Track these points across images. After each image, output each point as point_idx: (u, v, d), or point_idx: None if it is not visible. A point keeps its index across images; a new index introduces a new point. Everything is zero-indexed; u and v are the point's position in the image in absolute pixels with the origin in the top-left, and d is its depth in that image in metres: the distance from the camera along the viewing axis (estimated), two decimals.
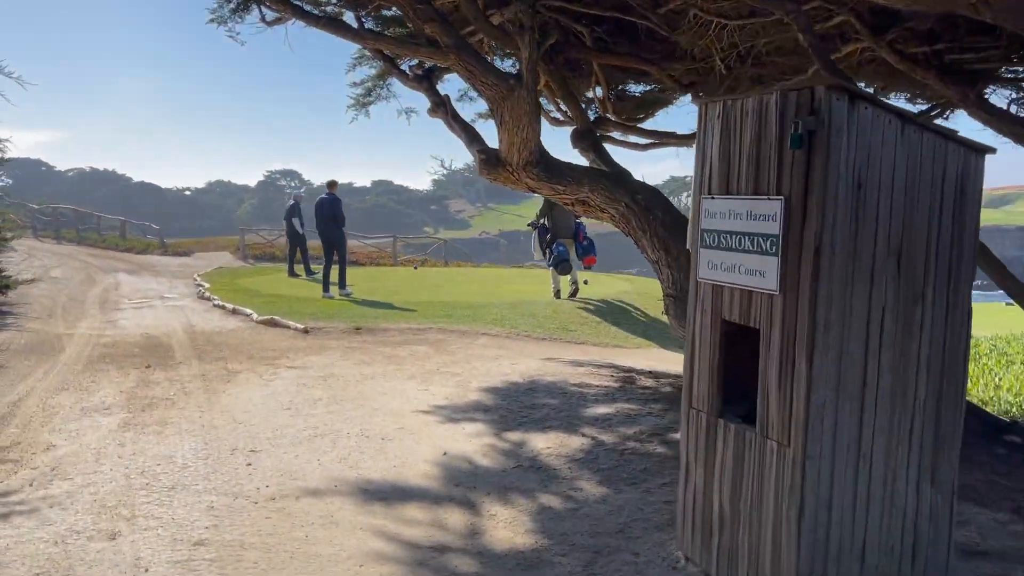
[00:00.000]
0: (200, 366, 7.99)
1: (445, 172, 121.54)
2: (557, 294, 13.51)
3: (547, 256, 13.72)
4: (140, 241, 29.39)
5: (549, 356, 8.91)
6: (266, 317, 11.18)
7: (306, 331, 10.26)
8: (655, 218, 7.24)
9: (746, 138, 3.04)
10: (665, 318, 12.34)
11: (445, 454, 5.02)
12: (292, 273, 18.96)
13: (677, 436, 5.00)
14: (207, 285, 16.38)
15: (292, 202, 19.46)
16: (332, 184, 16.06)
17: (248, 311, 11.98)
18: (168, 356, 8.66)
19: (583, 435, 5.23)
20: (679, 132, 8.95)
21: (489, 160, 7.97)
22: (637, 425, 5.34)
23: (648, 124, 9.37)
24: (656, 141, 9.21)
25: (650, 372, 7.49)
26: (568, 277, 13.68)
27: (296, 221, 19.13)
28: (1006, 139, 6.24)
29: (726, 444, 3.22)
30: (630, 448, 4.89)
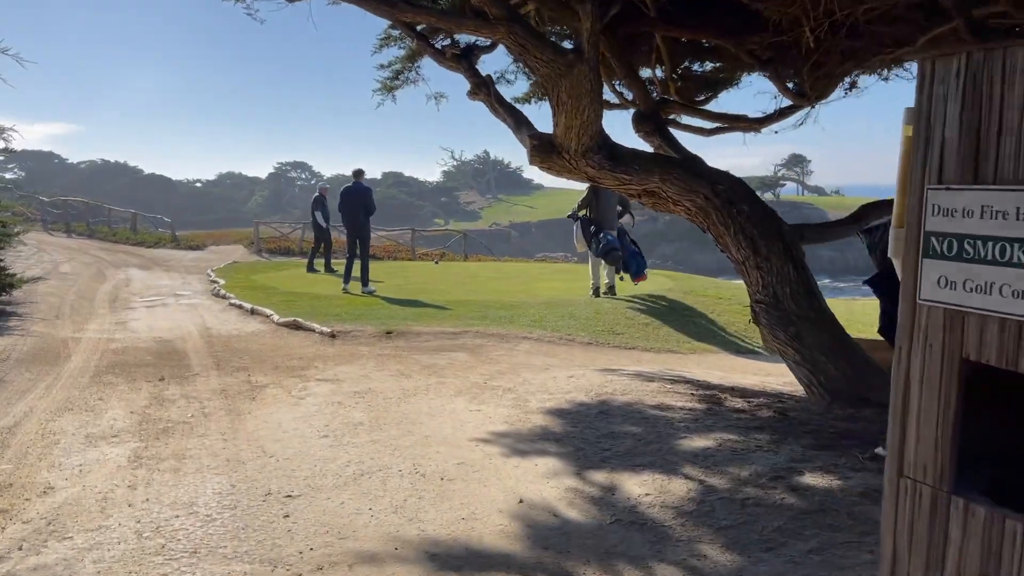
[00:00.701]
0: (220, 378, 7.14)
1: (455, 163, 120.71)
2: (596, 292, 12.61)
3: (593, 247, 12.75)
4: (152, 235, 28.64)
5: (605, 366, 8.02)
6: (288, 319, 10.32)
7: (333, 335, 9.39)
8: (740, 212, 6.33)
9: (1016, 102, 2.14)
10: (720, 320, 11.50)
11: (521, 502, 4.14)
12: (311, 268, 18.14)
13: (805, 481, 4.10)
14: (222, 282, 15.56)
15: (317, 194, 18.54)
16: (359, 173, 15.19)
17: (268, 311, 11.13)
18: (184, 365, 7.82)
19: (686, 477, 4.34)
20: (750, 115, 8.01)
21: (542, 146, 7.08)
22: (749, 464, 4.44)
23: (711, 106, 8.43)
24: (723, 126, 8.28)
25: (732, 388, 6.59)
26: (609, 271, 12.76)
27: (319, 215, 18.27)
28: None
29: (966, 533, 2.32)
30: (751, 497, 4.00)
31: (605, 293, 12.66)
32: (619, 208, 13.04)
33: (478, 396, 6.40)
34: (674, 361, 9.22)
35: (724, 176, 6.58)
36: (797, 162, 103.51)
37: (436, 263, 20.50)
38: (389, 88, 11.18)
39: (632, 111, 8.25)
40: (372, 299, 12.54)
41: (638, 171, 6.68)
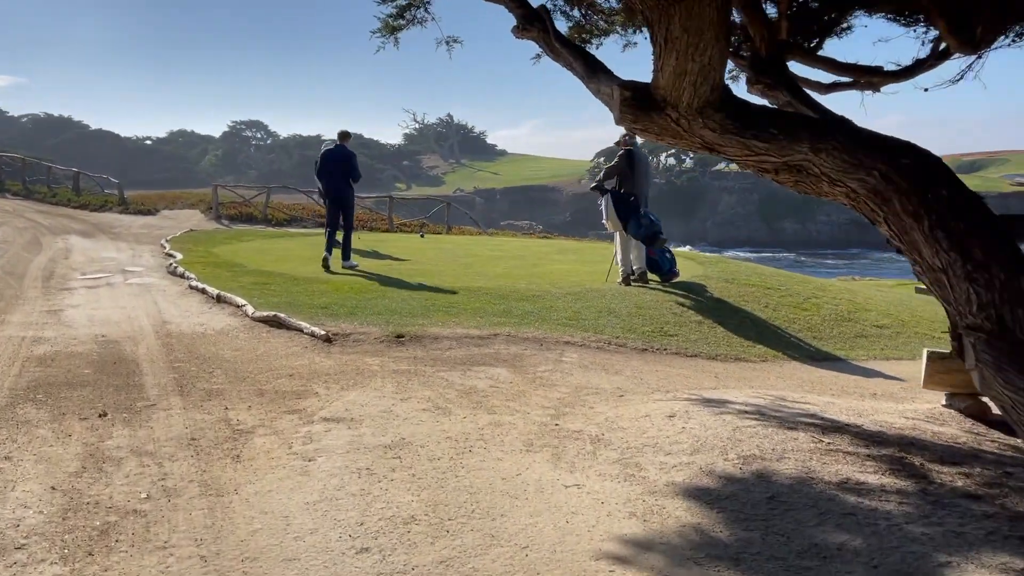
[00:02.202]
0: (186, 414, 5.13)
1: (418, 126, 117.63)
2: (627, 279, 10.75)
3: (632, 227, 10.82)
4: (97, 196, 25.97)
5: (688, 387, 6.20)
6: (267, 314, 8.28)
7: (328, 339, 7.39)
8: (937, 199, 4.52)
9: None
10: (776, 317, 9.63)
11: None
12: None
13: None
14: (179, 256, 13.36)
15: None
16: (344, 135, 13.07)
17: (239, 300, 9.06)
18: (134, 387, 5.79)
19: None
20: (886, 67, 6.14)
21: (638, 101, 5.15)
22: None
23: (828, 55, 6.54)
24: (848, 80, 6.40)
25: (904, 440, 4.78)
26: (640, 254, 10.91)
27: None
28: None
29: None
30: None
31: (635, 280, 10.83)
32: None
33: (561, 452, 4.51)
34: (751, 374, 7.44)
35: (907, 147, 4.70)
36: None
37: (422, 236, 18.45)
38: (391, 28, 9.15)
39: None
40: (364, 285, 10.52)
41: (777, 138, 4.79)
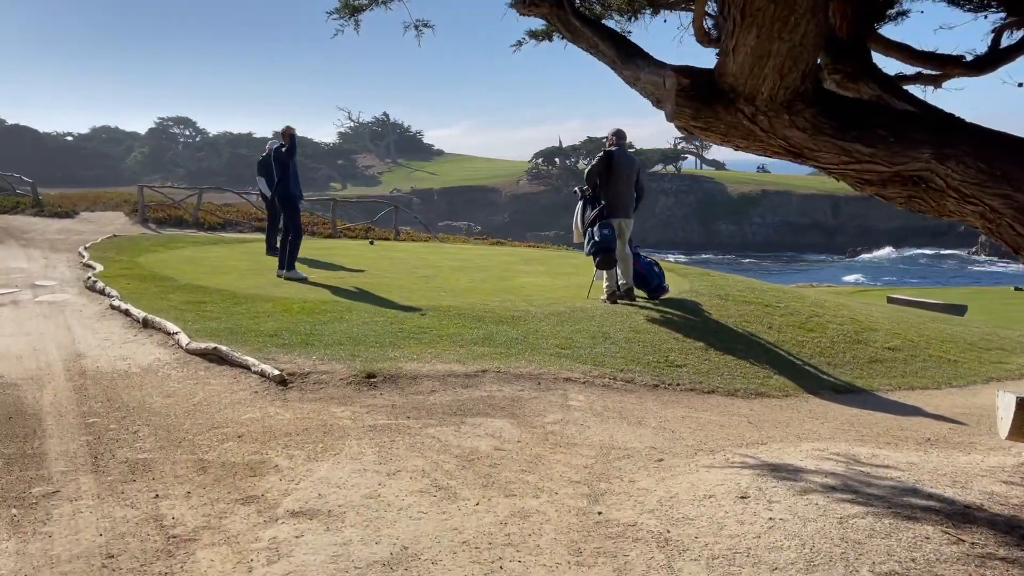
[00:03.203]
0: (101, 510, 3.78)
1: (353, 125, 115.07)
2: (613, 297, 9.62)
3: (586, 239, 9.77)
4: (7, 197, 23.73)
5: (742, 449, 5.09)
6: (205, 345, 6.88)
7: (284, 381, 6.05)
8: None
9: None
10: (785, 340, 8.52)
11: None
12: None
13: None
14: (99, 267, 11.74)
15: (264, 154, 14.46)
16: (287, 132, 11.64)
17: (171, 326, 7.63)
18: (32, 459, 4.40)
19: None
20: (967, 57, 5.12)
21: (701, 90, 4.02)
22: None
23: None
24: (913, 72, 5.35)
25: None
26: (605, 277, 9.80)
27: (263, 181, 14.45)
28: None
29: None
30: None
31: (621, 297, 9.72)
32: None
33: (626, 568, 3.32)
34: (784, 416, 6.40)
35: None
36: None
37: (371, 243, 17.02)
38: (352, 8, 7.86)
39: None
40: (317, 304, 9.14)
41: (889, 140, 3.70)
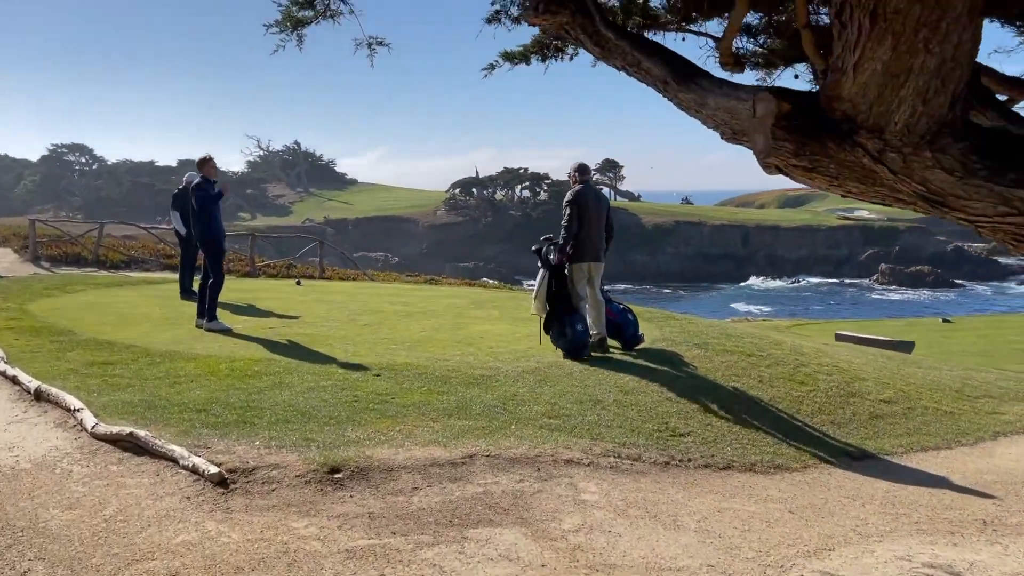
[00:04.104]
0: None
1: (262, 153, 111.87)
2: (577, 352, 8.58)
3: (553, 331, 8.65)
4: None
5: (806, 560, 4.12)
6: (118, 430, 5.51)
7: (224, 482, 4.78)
8: None
9: None
10: (781, 396, 7.56)
11: None
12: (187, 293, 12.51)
13: None
14: None
15: (182, 186, 12.78)
16: (203, 162, 10.31)
17: (71, 400, 6.22)
18: None
19: None
20: None
21: (806, 120, 3.10)
22: None
23: None
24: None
25: None
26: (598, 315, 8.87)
27: (177, 217, 12.87)
28: None
29: None
30: None
31: (593, 349, 8.74)
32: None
33: None
34: (817, 497, 5.52)
35: None
36: (610, 167, 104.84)
37: (298, 283, 15.60)
38: (295, 22, 6.78)
39: None
40: (248, 363, 7.82)
41: None
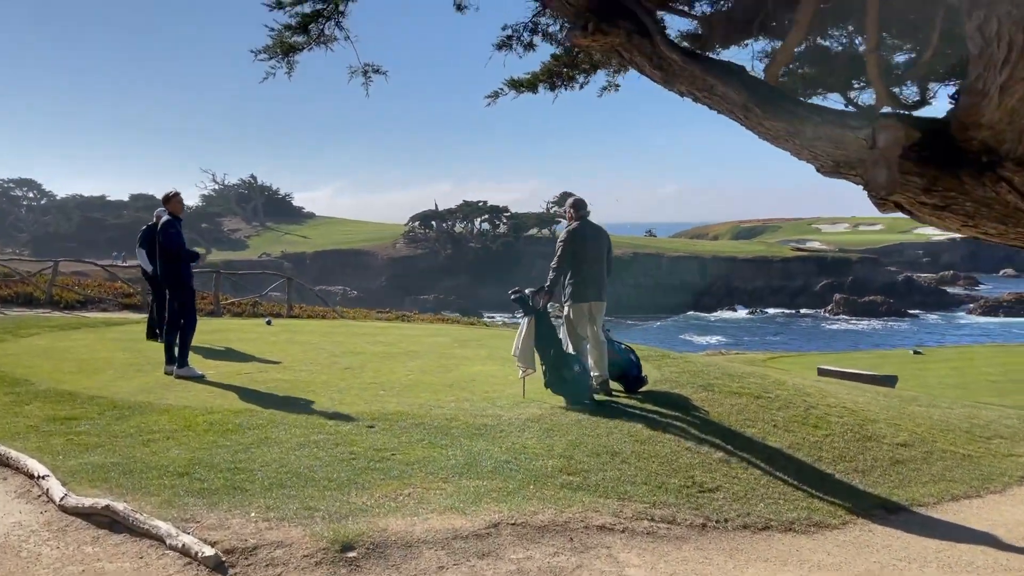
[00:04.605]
0: None
1: (217, 187, 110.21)
2: (580, 397, 8.09)
3: (549, 375, 8.10)
4: None
5: None
6: (91, 503, 4.84)
7: (222, 565, 4.15)
8: None
9: None
10: (799, 441, 7.04)
11: None
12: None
13: None
14: None
15: (152, 222, 11.75)
16: (169, 198, 9.66)
17: (34, 465, 5.52)
18: None
19: None
20: None
21: (936, 151, 2.68)
22: None
23: None
24: None
25: None
26: (600, 357, 8.41)
27: (143, 253, 12.03)
28: None
29: None
30: None
31: (596, 392, 8.26)
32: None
33: None
34: (869, 560, 5.06)
35: None
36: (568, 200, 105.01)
37: (268, 323, 14.87)
38: (287, 48, 6.35)
39: None
40: (229, 415, 7.16)
41: None
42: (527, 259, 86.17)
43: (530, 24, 6.12)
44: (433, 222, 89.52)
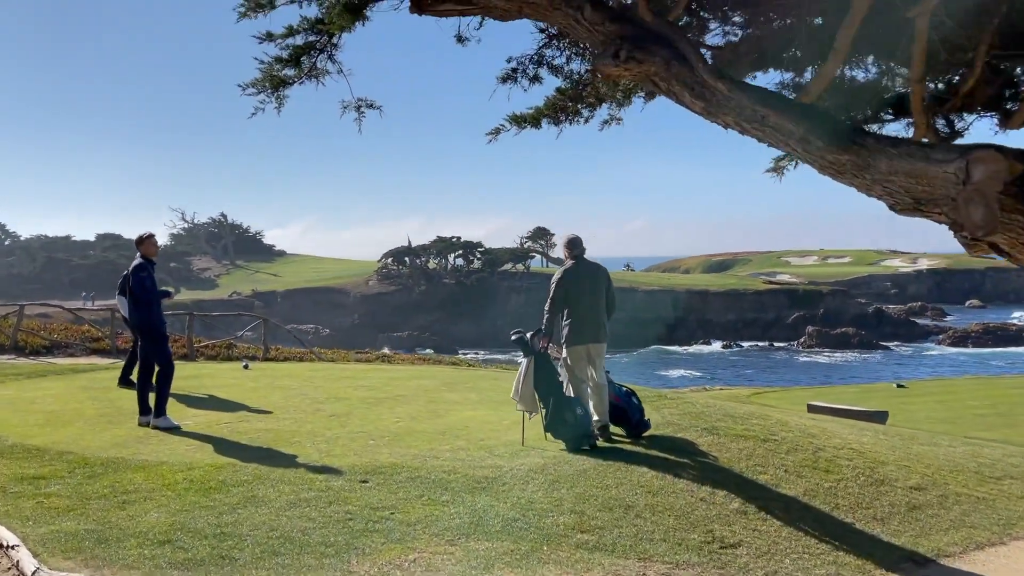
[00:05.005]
0: None
1: (187, 226, 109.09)
2: (592, 437, 7.76)
3: (552, 419, 7.77)
4: None
5: None
6: None
7: None
8: None
9: None
10: (813, 487, 6.66)
11: None
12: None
13: None
14: None
15: (137, 262, 11.18)
16: (142, 240, 9.20)
17: (4, 536, 5.02)
18: None
19: None
20: None
21: None
22: None
23: None
24: None
25: None
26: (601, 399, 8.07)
27: (123, 300, 11.42)
28: None
29: None
30: None
31: (596, 438, 7.90)
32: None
33: None
34: None
35: None
36: (542, 235, 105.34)
37: (245, 367, 14.34)
38: (276, 82, 6.03)
39: None
40: (211, 470, 6.69)
41: None
42: (502, 294, 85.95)
43: (535, 57, 5.85)
44: (407, 258, 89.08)
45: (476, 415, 9.45)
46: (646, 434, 8.20)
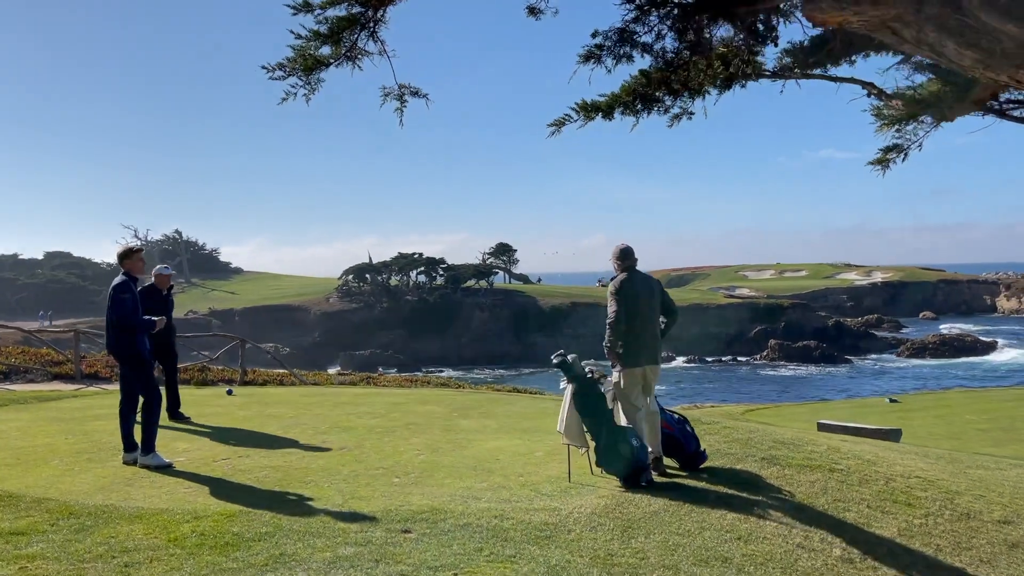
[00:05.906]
0: None
1: (140, 243, 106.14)
2: (646, 470, 6.89)
3: (603, 453, 6.92)
4: None
5: None
6: None
7: None
8: None
9: None
10: (901, 525, 5.79)
11: None
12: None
13: None
14: None
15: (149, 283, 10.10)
16: (126, 255, 8.08)
17: None
18: None
19: None
20: None
21: None
22: None
23: None
24: None
25: None
26: (652, 429, 7.21)
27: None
28: None
29: None
30: None
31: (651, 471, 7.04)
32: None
33: None
34: None
35: None
36: (504, 251, 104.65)
37: (230, 392, 13.19)
38: (311, 64, 5.06)
39: None
40: (219, 520, 5.66)
41: None
42: (466, 311, 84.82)
43: (618, 33, 5.00)
44: (368, 275, 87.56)
45: (502, 445, 8.52)
46: (702, 466, 7.37)
